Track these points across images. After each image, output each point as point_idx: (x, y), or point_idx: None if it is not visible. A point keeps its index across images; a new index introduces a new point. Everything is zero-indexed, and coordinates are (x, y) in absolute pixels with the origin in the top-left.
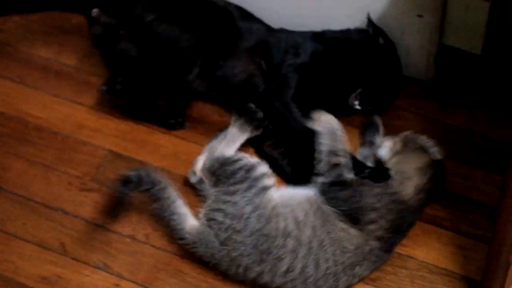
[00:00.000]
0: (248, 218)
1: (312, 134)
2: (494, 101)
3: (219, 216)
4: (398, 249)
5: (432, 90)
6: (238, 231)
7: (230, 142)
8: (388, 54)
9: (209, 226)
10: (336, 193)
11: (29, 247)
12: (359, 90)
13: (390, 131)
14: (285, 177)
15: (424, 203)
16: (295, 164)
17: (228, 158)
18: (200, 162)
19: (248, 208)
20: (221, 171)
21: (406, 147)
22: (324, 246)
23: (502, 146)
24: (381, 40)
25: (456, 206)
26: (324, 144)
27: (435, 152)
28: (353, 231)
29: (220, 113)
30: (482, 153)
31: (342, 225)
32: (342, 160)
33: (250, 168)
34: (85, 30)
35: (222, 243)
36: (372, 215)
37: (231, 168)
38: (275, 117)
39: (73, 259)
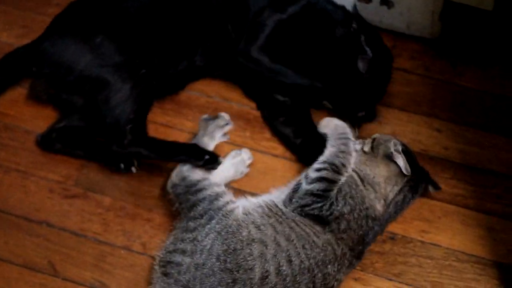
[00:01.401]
0: (211, 247)
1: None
2: (507, 58)
3: (176, 258)
4: (420, 237)
5: (439, 48)
6: (202, 264)
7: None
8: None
9: (166, 274)
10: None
11: (15, 269)
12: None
13: (395, 98)
14: (297, 154)
15: (395, 212)
16: (306, 142)
17: (194, 184)
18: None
19: (210, 238)
20: (184, 199)
21: (374, 150)
22: (292, 240)
23: None
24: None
25: (477, 181)
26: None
27: (403, 167)
28: (318, 228)
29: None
30: (500, 116)
31: (304, 221)
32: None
33: (214, 199)
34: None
35: (186, 286)
36: (343, 225)
37: (194, 198)
38: (239, 67)
39: (65, 279)
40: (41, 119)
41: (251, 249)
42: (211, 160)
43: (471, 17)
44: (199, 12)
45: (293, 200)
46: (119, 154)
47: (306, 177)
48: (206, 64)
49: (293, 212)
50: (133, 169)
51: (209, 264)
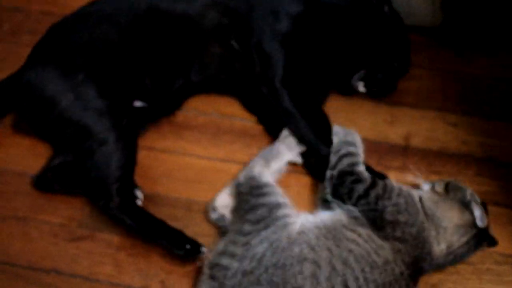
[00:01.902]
0: (262, 256)
1: (312, 121)
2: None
3: (224, 260)
4: None
5: (442, 37)
6: (250, 272)
7: (272, 161)
8: (394, 24)
9: (212, 277)
10: (350, 184)
11: None
12: (363, 72)
13: (405, 96)
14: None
15: (449, 264)
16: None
17: (259, 187)
18: (222, 198)
19: (263, 247)
20: (245, 199)
21: (449, 194)
22: (350, 264)
23: None
24: (386, 9)
25: (504, 175)
26: (337, 137)
27: (479, 217)
28: (377, 239)
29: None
30: None
31: (362, 230)
32: (355, 150)
33: (274, 207)
34: None
35: None
36: (398, 232)
37: (254, 201)
38: (267, 104)
39: None
40: (32, 158)
41: (301, 268)
42: (192, 251)
43: (474, 3)
44: (192, 29)
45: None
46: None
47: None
48: (203, 79)
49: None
50: (139, 202)
51: (257, 274)
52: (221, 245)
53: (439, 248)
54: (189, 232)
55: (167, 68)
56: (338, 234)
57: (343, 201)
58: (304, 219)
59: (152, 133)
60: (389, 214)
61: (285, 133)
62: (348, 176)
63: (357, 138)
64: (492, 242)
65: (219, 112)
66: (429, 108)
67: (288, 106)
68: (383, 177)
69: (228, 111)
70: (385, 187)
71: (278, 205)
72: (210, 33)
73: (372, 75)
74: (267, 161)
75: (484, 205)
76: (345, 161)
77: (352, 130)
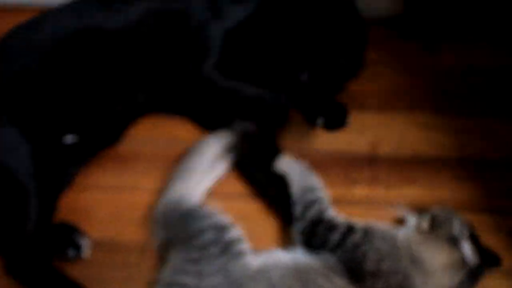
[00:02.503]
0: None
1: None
2: (482, 28)
3: None
4: None
5: (404, 29)
6: None
7: (199, 176)
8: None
9: None
10: (323, 234)
11: None
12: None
13: (368, 98)
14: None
15: None
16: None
17: (193, 210)
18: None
19: (217, 279)
20: (180, 229)
21: (435, 230)
22: None
23: None
24: None
25: (487, 177)
26: (295, 182)
27: (468, 255)
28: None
29: None
30: (491, 94)
31: (338, 281)
32: (319, 194)
33: (220, 229)
34: None
35: None
36: (380, 284)
37: (197, 225)
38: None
39: None
40: None
41: None
42: None
43: None
44: (129, 43)
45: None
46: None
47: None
48: (148, 99)
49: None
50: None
51: None
52: (167, 275)
53: None
54: (144, 278)
55: (102, 94)
56: (308, 279)
57: (318, 250)
58: (268, 256)
59: (94, 170)
60: (369, 262)
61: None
62: (319, 225)
63: (314, 178)
64: (496, 261)
65: (167, 137)
66: (396, 109)
67: (223, 84)
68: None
69: (178, 135)
70: (365, 233)
71: (223, 227)
72: (150, 45)
73: (319, 70)
74: (188, 176)
75: (473, 237)
76: (313, 210)
77: (305, 167)
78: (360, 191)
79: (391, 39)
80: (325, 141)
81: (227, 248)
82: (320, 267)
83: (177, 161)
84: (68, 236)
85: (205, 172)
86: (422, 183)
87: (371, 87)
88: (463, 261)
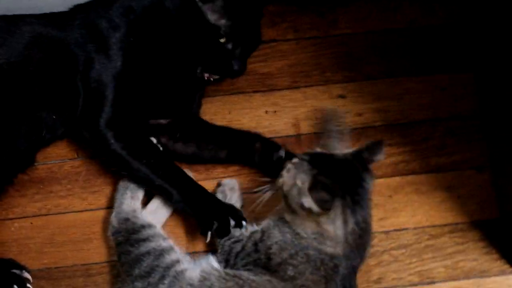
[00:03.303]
0: None
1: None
2: None
3: None
4: (381, 227)
5: (299, 1)
6: None
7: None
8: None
9: None
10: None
11: None
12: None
13: (278, 78)
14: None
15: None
16: None
17: (137, 231)
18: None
19: None
20: (125, 250)
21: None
22: None
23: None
24: None
25: (410, 138)
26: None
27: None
28: (278, 283)
29: None
30: (396, 54)
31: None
32: None
33: (159, 254)
34: None
35: None
36: (290, 271)
37: (136, 251)
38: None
39: None
40: None
41: None
42: None
43: None
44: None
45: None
46: None
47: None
48: (55, 133)
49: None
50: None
51: None
52: None
53: (329, 246)
54: None
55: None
56: (243, 279)
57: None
58: (204, 263)
59: (16, 198)
60: (274, 255)
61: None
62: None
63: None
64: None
65: (84, 154)
66: (309, 85)
67: (116, 148)
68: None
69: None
70: (262, 232)
71: (162, 251)
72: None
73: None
74: (135, 191)
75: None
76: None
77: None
78: None
79: (288, 14)
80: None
81: (167, 272)
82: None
83: (99, 177)
84: (7, 272)
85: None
86: None
87: (277, 67)
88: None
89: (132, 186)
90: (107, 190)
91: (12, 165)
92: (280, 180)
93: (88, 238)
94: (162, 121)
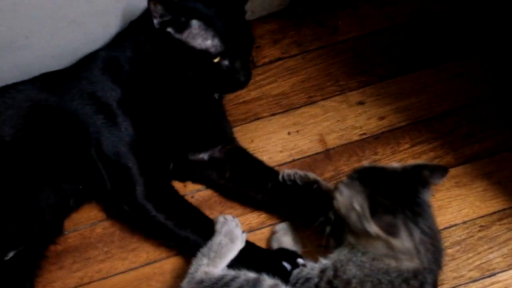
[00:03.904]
0: None
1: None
2: None
3: None
4: None
5: (296, 15)
6: None
7: (217, 258)
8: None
9: None
10: None
11: None
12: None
13: (294, 96)
14: None
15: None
16: None
17: (221, 278)
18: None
19: None
20: None
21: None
22: None
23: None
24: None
25: (439, 132)
26: None
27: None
28: None
29: None
30: (404, 49)
31: None
32: None
33: (255, 283)
34: None
35: None
36: None
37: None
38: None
39: None
40: None
41: None
42: None
43: None
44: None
45: None
46: None
47: None
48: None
49: None
50: None
51: None
52: None
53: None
54: None
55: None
56: None
57: None
58: None
59: (54, 272)
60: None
61: (220, 220)
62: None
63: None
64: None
65: (114, 212)
66: (326, 97)
67: (159, 219)
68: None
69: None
70: (335, 268)
71: (256, 280)
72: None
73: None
74: (212, 260)
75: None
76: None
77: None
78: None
79: (288, 30)
80: (278, 154)
81: None
82: None
83: (133, 232)
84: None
85: (229, 256)
86: (384, 160)
87: (288, 85)
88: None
89: (210, 254)
90: (145, 244)
91: (42, 238)
92: (335, 204)
93: None
94: (203, 156)
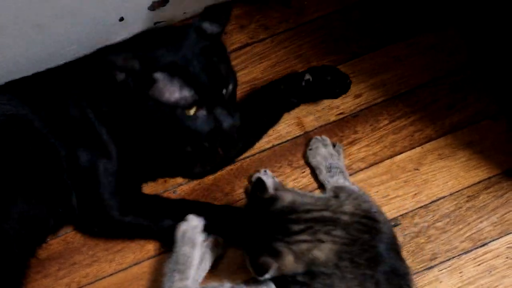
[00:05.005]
0: None
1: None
2: None
3: None
4: (417, 203)
5: None
6: None
7: (187, 270)
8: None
9: None
10: None
11: None
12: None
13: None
14: None
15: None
16: None
17: None
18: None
19: None
20: None
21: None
22: None
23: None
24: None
25: (418, 105)
26: None
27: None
28: None
29: None
30: (376, 24)
31: None
32: None
33: None
34: None
35: None
36: None
37: None
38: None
39: None
40: None
41: None
42: None
43: None
44: None
45: None
46: None
47: None
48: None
49: None
50: None
51: None
52: None
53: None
54: None
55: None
56: None
57: None
58: None
59: (39, 281)
60: None
61: (181, 230)
62: None
63: None
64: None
65: None
66: None
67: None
68: None
69: None
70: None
71: None
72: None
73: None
74: (183, 272)
75: None
76: None
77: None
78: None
79: (253, 14)
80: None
81: None
82: None
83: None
84: None
85: (198, 260)
86: (365, 138)
87: (262, 69)
88: None
89: (179, 267)
90: (131, 244)
91: (21, 253)
92: None
93: None
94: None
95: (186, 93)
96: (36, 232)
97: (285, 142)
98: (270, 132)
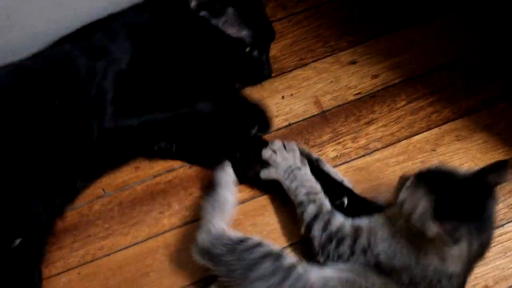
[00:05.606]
0: None
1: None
2: None
3: None
4: None
5: None
6: None
7: (225, 211)
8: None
9: None
10: (334, 251)
11: None
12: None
13: (284, 60)
14: None
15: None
16: None
17: (241, 240)
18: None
19: None
20: (232, 261)
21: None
22: None
23: None
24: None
25: (434, 87)
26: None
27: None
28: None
29: None
30: (394, 7)
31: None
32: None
33: (278, 256)
34: None
35: None
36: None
37: (250, 257)
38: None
39: None
40: None
41: None
42: None
43: None
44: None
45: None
46: None
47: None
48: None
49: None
50: None
51: None
52: None
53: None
54: None
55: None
56: (361, 285)
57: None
58: (316, 272)
59: (54, 252)
60: (383, 259)
61: (220, 175)
62: (328, 244)
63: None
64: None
65: (111, 188)
66: (317, 59)
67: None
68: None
69: (120, 182)
70: (368, 235)
71: (278, 255)
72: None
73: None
74: (221, 212)
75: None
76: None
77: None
78: (331, 153)
79: None
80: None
81: (288, 275)
82: (358, 274)
83: (133, 207)
84: None
85: (231, 203)
86: (381, 120)
87: (280, 48)
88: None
89: (221, 208)
90: (147, 218)
91: (48, 224)
92: (401, 198)
93: (144, 273)
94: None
95: (247, 33)
96: (64, 196)
97: (302, 120)
98: (287, 110)
